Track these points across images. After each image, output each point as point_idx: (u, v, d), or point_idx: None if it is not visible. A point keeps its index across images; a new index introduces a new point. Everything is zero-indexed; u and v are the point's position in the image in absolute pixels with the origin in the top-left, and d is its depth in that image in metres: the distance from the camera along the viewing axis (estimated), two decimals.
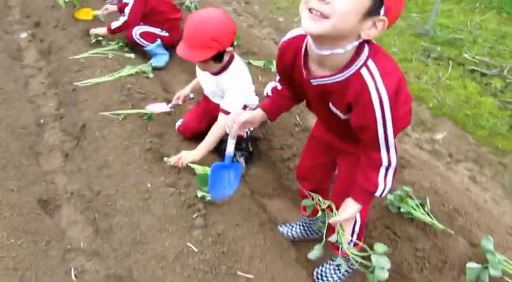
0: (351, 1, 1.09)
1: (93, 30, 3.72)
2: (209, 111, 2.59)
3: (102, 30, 3.70)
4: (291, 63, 1.47)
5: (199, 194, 2.18)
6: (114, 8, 3.90)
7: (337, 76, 1.29)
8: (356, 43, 1.23)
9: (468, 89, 3.68)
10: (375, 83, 1.24)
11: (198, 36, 2.05)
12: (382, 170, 1.45)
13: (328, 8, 1.10)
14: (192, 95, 2.79)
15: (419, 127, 3.29)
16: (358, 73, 1.26)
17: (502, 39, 4.44)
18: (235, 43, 2.22)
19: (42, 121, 3.15)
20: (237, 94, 2.33)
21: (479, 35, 4.53)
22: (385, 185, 1.47)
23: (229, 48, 2.16)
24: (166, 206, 2.18)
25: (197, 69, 2.50)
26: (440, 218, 2.13)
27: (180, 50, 2.13)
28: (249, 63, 3.52)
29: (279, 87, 1.74)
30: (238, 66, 2.35)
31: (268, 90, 2.13)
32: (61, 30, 4.06)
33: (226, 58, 2.24)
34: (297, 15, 5.32)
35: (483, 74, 3.86)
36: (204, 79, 2.50)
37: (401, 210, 2.13)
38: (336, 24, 1.12)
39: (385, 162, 1.42)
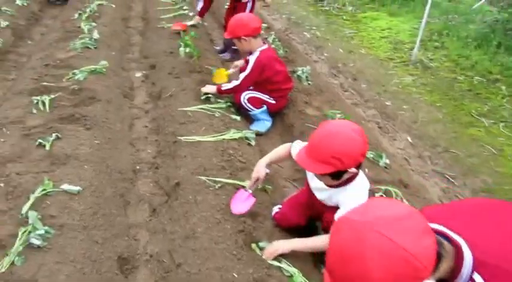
0: None
1: (204, 89, 3.74)
2: (312, 206, 2.35)
3: (212, 89, 3.71)
4: None
5: None
6: (242, 63, 3.92)
7: None
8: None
9: None
10: None
11: (320, 150, 1.85)
12: None
13: None
14: (268, 171, 2.50)
15: None
16: None
17: None
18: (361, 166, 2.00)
19: (138, 167, 3.13)
20: None
21: None
22: None
23: (353, 170, 1.90)
24: None
25: None
26: None
27: (300, 155, 1.95)
28: None
29: None
30: (360, 185, 2.06)
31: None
32: (174, 78, 4.16)
33: (346, 177, 1.98)
34: (407, 103, 5.07)
35: None
36: (316, 183, 2.24)
37: None
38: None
39: None
